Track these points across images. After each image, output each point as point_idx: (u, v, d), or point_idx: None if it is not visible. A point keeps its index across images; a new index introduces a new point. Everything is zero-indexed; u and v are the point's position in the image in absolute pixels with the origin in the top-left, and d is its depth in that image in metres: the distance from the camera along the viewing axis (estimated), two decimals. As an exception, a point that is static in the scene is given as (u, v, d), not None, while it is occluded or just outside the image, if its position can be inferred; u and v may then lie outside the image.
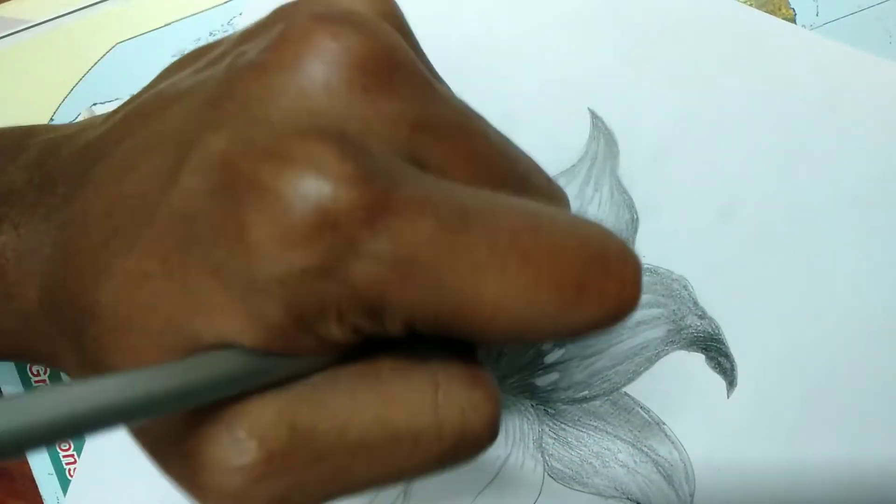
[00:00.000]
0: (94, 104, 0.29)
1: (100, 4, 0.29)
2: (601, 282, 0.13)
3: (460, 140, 0.14)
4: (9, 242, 0.16)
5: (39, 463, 0.28)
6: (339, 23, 0.13)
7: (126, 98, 0.29)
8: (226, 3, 0.30)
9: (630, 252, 0.14)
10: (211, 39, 0.29)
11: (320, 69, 0.13)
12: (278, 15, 0.15)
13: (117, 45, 0.29)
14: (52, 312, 0.15)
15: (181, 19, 0.30)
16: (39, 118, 0.29)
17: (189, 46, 0.29)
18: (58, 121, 0.29)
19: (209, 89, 0.14)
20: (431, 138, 0.14)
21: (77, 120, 0.29)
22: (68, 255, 0.15)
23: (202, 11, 0.30)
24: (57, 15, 0.29)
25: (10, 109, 0.29)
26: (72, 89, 0.29)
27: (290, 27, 0.13)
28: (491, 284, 0.12)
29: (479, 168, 0.14)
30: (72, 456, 0.28)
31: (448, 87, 0.16)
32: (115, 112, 0.17)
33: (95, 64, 0.29)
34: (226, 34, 0.19)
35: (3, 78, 0.29)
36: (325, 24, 0.13)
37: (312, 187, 0.12)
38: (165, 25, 0.30)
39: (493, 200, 0.13)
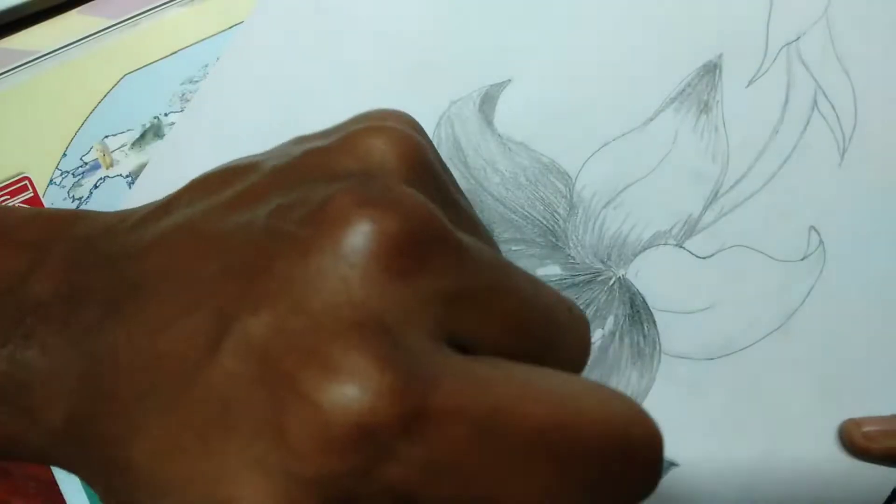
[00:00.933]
0: (107, 136, 0.29)
1: (107, 34, 0.30)
2: (623, 472, 0.14)
3: (493, 301, 0.15)
4: (36, 360, 0.16)
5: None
6: (377, 205, 0.14)
7: (137, 129, 0.29)
8: (231, 28, 0.30)
9: (651, 431, 0.14)
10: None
11: (360, 256, 0.13)
12: (318, 161, 0.16)
13: (126, 76, 0.30)
14: (79, 443, 0.16)
15: (188, 46, 0.30)
16: (52, 153, 0.29)
17: (197, 74, 0.30)
18: (71, 155, 0.29)
19: (248, 250, 0.14)
20: (467, 307, 0.14)
21: (90, 155, 0.29)
22: (99, 395, 0.15)
23: (208, 37, 0.30)
24: (64, 44, 0.29)
25: (24, 145, 0.29)
26: (83, 122, 0.29)
27: (331, 205, 0.14)
28: (517, 483, 0.13)
29: (510, 325, 0.15)
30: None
31: (470, 206, 0.18)
32: (143, 221, 0.17)
33: (105, 96, 0.29)
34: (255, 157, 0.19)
35: (16, 113, 0.29)
36: (365, 207, 0.14)
37: (353, 401, 0.12)
38: (173, 54, 0.30)
39: (523, 389, 0.14)
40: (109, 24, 0.30)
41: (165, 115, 0.30)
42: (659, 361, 0.29)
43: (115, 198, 0.29)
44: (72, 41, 0.30)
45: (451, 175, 0.20)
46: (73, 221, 0.19)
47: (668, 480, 0.28)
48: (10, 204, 0.29)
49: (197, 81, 0.30)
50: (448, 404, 0.13)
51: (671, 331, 0.29)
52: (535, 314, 0.16)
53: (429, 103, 0.29)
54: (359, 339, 0.13)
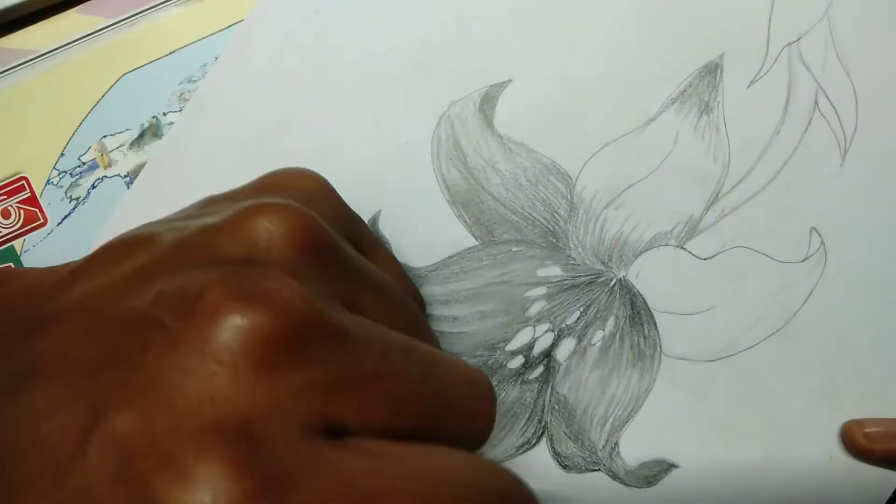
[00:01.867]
0: (104, 136, 0.29)
1: (105, 34, 0.30)
2: None
3: (375, 387, 0.15)
4: None
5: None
6: (250, 299, 0.14)
7: (135, 129, 0.29)
8: (230, 27, 0.30)
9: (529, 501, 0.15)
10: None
11: (228, 352, 0.13)
12: (205, 242, 0.16)
13: (124, 76, 0.29)
14: None
15: (186, 46, 0.30)
16: (50, 152, 0.29)
17: (196, 73, 0.29)
18: (68, 155, 0.29)
19: (127, 339, 0.14)
20: (344, 394, 0.14)
21: (88, 155, 0.29)
22: None
23: (207, 37, 0.30)
24: (62, 44, 0.29)
25: (21, 144, 0.29)
26: (81, 122, 0.29)
27: (203, 296, 0.14)
28: None
29: (394, 410, 0.15)
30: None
31: (375, 272, 0.18)
32: (55, 289, 0.17)
33: (103, 95, 0.29)
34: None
35: (13, 113, 0.29)
36: (237, 301, 0.14)
37: None
38: (171, 53, 0.30)
39: (392, 481, 0.13)
40: (107, 24, 0.30)
41: (164, 114, 0.29)
42: (659, 363, 0.29)
43: (113, 198, 0.29)
44: (70, 41, 0.29)
45: (358, 227, 0.19)
46: (18, 275, 0.19)
47: (668, 482, 0.28)
48: (7, 204, 0.29)
49: (195, 81, 0.29)
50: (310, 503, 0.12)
51: (672, 332, 0.29)
52: (424, 398, 0.15)
53: (429, 103, 0.29)
54: (215, 442, 0.13)
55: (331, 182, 0.28)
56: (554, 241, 0.29)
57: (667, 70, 0.29)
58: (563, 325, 0.29)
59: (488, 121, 0.29)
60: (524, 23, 0.29)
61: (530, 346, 0.29)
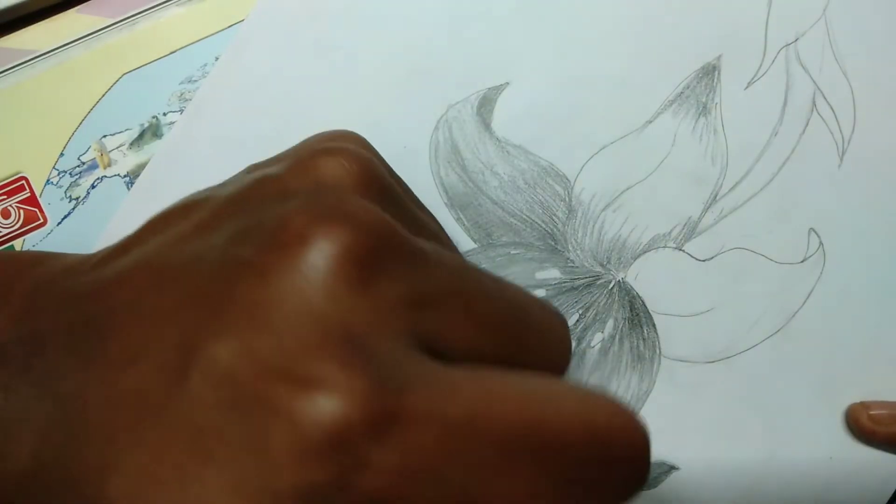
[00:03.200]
0: (104, 136, 0.29)
1: (105, 34, 0.30)
2: (608, 469, 0.14)
3: (458, 302, 0.15)
4: None
5: None
6: (331, 219, 0.14)
7: (135, 128, 0.29)
8: (230, 27, 0.30)
9: (633, 428, 0.14)
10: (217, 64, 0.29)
11: (319, 272, 0.14)
12: (270, 185, 0.16)
13: (125, 76, 0.29)
14: (49, 486, 0.15)
15: (187, 46, 0.30)
16: (50, 152, 0.29)
17: (196, 73, 0.29)
18: (68, 155, 0.29)
19: (207, 279, 0.14)
20: (432, 310, 0.14)
21: (88, 154, 0.29)
22: (68, 436, 0.15)
23: (207, 37, 0.30)
24: (63, 44, 0.29)
25: (21, 144, 0.29)
26: (81, 122, 0.29)
27: (285, 225, 0.14)
28: (497, 485, 0.13)
29: (480, 326, 0.15)
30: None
31: (430, 216, 0.18)
32: (103, 262, 0.17)
33: (104, 95, 0.29)
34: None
35: (13, 113, 0.29)
36: (319, 222, 0.14)
37: (325, 410, 0.12)
38: (171, 53, 0.30)
39: (498, 393, 0.14)
40: (108, 24, 0.30)
41: (164, 114, 0.29)
42: (659, 364, 0.28)
43: (112, 198, 0.29)
44: (70, 40, 0.29)
45: (408, 190, 0.20)
46: (35, 263, 0.19)
47: (668, 484, 0.28)
48: (7, 204, 0.29)
49: (195, 81, 0.30)
50: (420, 409, 0.13)
51: (671, 334, 0.29)
52: (504, 312, 0.16)
53: (426, 107, 0.29)
54: (325, 350, 0.13)
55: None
56: (552, 243, 0.29)
57: (664, 72, 0.29)
58: (563, 328, 0.29)
59: (486, 124, 0.29)
60: (521, 26, 0.29)
61: (529, 348, 0.29)
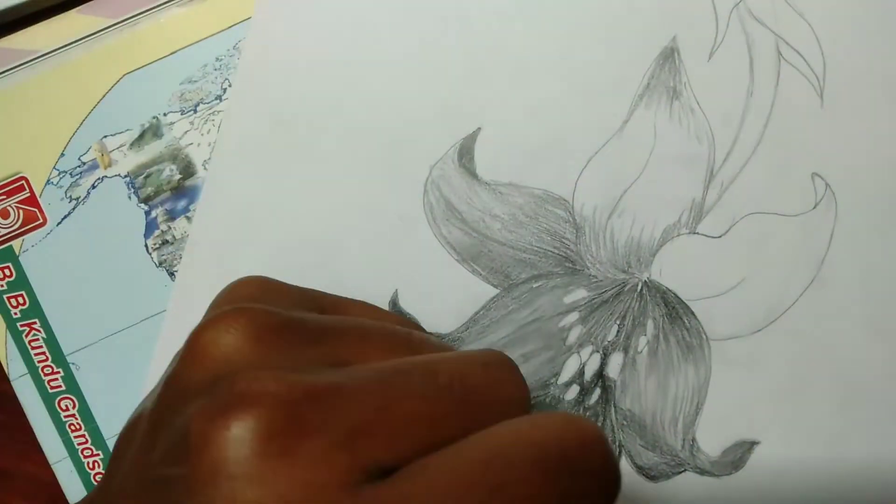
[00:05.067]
0: (105, 136, 0.30)
1: (106, 34, 0.30)
2: (577, 480, 0.14)
3: (391, 416, 0.15)
4: None
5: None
6: (229, 410, 0.14)
7: (136, 129, 0.29)
8: (231, 27, 0.30)
9: (588, 432, 0.15)
10: (218, 65, 0.30)
11: (240, 464, 0.14)
12: (173, 387, 0.16)
13: (125, 76, 0.30)
14: None
15: (187, 46, 0.30)
16: (50, 152, 0.29)
17: (196, 74, 0.30)
18: (69, 155, 0.29)
19: None
20: (365, 437, 0.14)
21: (88, 155, 0.29)
22: None
23: (207, 38, 0.30)
24: (63, 44, 0.29)
25: (21, 144, 0.29)
26: (82, 122, 0.30)
27: (191, 433, 0.14)
28: None
29: (421, 426, 0.15)
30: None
31: (349, 308, 0.20)
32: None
33: (104, 96, 0.30)
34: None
35: (14, 113, 0.29)
36: (220, 419, 0.14)
37: None
38: (172, 54, 0.30)
39: (447, 476, 0.14)
40: (108, 24, 0.30)
41: (164, 114, 0.30)
42: (709, 349, 0.29)
43: (113, 198, 0.29)
44: (71, 41, 0.30)
45: (315, 297, 0.20)
46: None
47: (754, 460, 0.28)
48: (6, 204, 0.29)
49: (196, 81, 0.30)
50: None
51: (712, 316, 0.29)
52: (441, 401, 0.16)
53: (409, 175, 0.29)
54: None
55: (340, 278, 0.28)
56: (570, 265, 0.29)
57: (625, 69, 0.29)
58: (606, 342, 0.29)
59: (471, 172, 0.29)
60: (478, 70, 0.29)
61: (581, 372, 0.29)
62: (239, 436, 0.14)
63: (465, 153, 0.29)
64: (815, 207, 0.29)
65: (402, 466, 0.14)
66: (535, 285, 0.29)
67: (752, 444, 0.28)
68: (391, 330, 0.19)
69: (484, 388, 0.17)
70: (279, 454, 0.14)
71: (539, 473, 0.14)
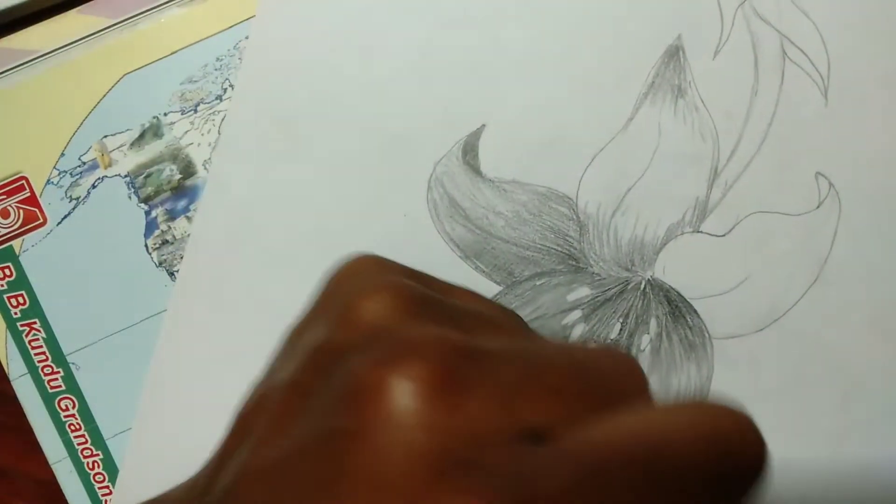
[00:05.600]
0: (105, 136, 0.29)
1: (106, 34, 0.29)
2: (728, 478, 0.14)
3: (536, 384, 0.15)
4: None
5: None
6: (396, 359, 0.14)
7: (136, 129, 0.29)
8: (231, 27, 0.30)
9: (747, 425, 0.15)
10: (218, 65, 0.29)
11: (409, 414, 0.14)
12: (327, 353, 0.16)
13: (126, 76, 0.29)
14: None
15: (188, 46, 0.30)
16: (50, 152, 0.29)
17: (197, 73, 0.29)
18: (69, 155, 0.29)
19: (312, 463, 0.14)
20: (520, 400, 0.15)
21: (89, 155, 0.29)
22: None
23: (208, 37, 0.30)
24: (63, 44, 0.29)
25: (21, 144, 0.29)
26: (82, 122, 0.29)
27: (361, 383, 0.14)
28: None
29: (564, 397, 0.15)
30: (106, 487, 0.29)
31: (467, 296, 0.19)
32: (209, 486, 0.17)
33: (104, 95, 0.29)
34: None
35: (14, 112, 0.29)
36: (391, 368, 0.14)
37: None
38: (172, 53, 0.30)
39: (608, 441, 0.14)
40: (109, 24, 0.29)
41: (164, 114, 0.30)
42: (712, 348, 0.29)
43: (113, 198, 0.29)
44: (71, 41, 0.29)
45: (438, 281, 0.20)
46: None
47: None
48: (6, 204, 0.29)
49: (196, 81, 0.30)
50: (549, 498, 0.13)
51: (715, 315, 0.29)
52: (579, 377, 0.16)
53: (413, 171, 0.29)
54: (443, 484, 0.13)
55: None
56: (574, 263, 0.29)
57: (630, 67, 0.29)
58: (609, 341, 0.29)
59: (475, 169, 0.29)
60: (482, 67, 0.29)
61: (584, 370, 0.29)
62: (409, 384, 0.14)
63: (469, 150, 0.29)
64: (818, 207, 0.29)
65: (554, 434, 0.15)
66: (538, 283, 0.29)
67: (754, 443, 0.28)
68: (507, 314, 0.20)
69: (614, 372, 0.17)
70: (446, 406, 0.14)
71: (701, 456, 0.14)
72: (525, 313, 0.29)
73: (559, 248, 0.29)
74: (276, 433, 0.16)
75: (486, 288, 0.29)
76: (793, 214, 0.29)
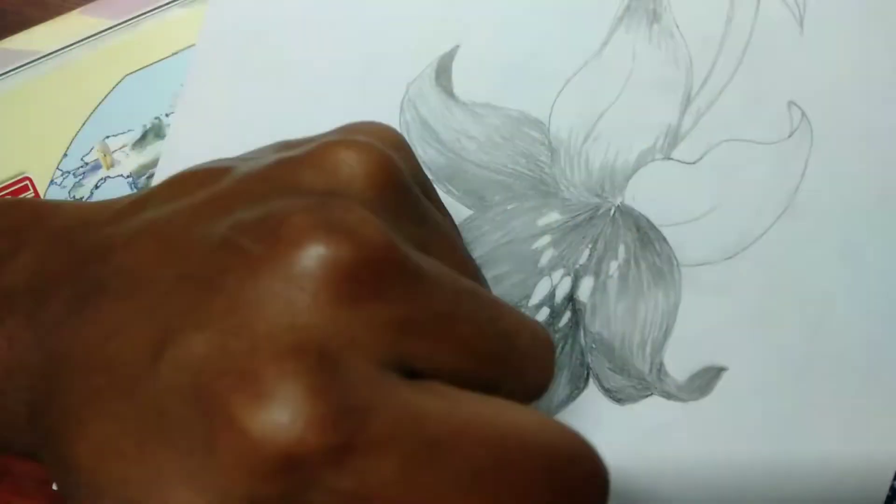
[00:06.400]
0: (107, 137, 0.30)
1: (107, 35, 0.30)
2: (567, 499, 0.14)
3: (446, 330, 0.15)
4: (2, 351, 0.17)
5: None
6: (333, 229, 0.14)
7: (138, 129, 0.29)
8: None
9: (595, 467, 0.15)
10: None
11: (309, 280, 0.13)
12: (286, 173, 0.16)
13: (127, 77, 0.30)
14: (39, 437, 0.16)
15: (189, 47, 0.30)
16: (53, 153, 0.29)
17: None
18: (71, 156, 0.29)
19: (204, 262, 0.14)
20: (416, 336, 0.14)
21: (91, 155, 0.29)
22: (54, 392, 0.15)
23: None
24: (65, 45, 0.29)
25: (25, 145, 0.29)
26: (84, 122, 0.29)
27: (287, 223, 0.14)
28: None
29: (464, 352, 0.15)
30: None
31: (445, 219, 0.18)
32: (118, 217, 0.17)
33: (106, 96, 0.30)
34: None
35: (17, 113, 0.29)
36: (321, 231, 0.14)
37: (282, 429, 0.12)
38: (174, 54, 0.30)
39: (464, 424, 0.14)
40: (110, 25, 0.30)
41: (166, 115, 0.30)
42: (680, 275, 0.29)
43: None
44: (73, 42, 0.30)
45: (431, 191, 0.20)
46: (52, 213, 0.19)
47: (722, 386, 0.28)
48: None
49: None
50: (380, 436, 0.13)
51: (683, 242, 0.29)
52: (491, 342, 0.16)
53: (386, 93, 0.29)
54: (295, 365, 0.13)
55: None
56: (545, 188, 0.29)
57: (605, -9, 0.29)
58: (577, 266, 0.29)
59: (448, 91, 0.29)
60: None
61: (552, 295, 0.29)
62: (329, 257, 0.13)
63: (443, 72, 0.29)
64: (790, 136, 0.29)
65: (425, 375, 0.14)
66: (508, 207, 0.29)
67: (720, 371, 0.28)
68: (471, 257, 0.19)
69: (525, 355, 0.17)
70: (346, 297, 0.13)
71: (541, 480, 0.14)
72: (495, 237, 0.29)
73: (531, 173, 0.29)
74: (201, 213, 0.16)
75: (458, 212, 0.29)
76: (764, 143, 0.29)
